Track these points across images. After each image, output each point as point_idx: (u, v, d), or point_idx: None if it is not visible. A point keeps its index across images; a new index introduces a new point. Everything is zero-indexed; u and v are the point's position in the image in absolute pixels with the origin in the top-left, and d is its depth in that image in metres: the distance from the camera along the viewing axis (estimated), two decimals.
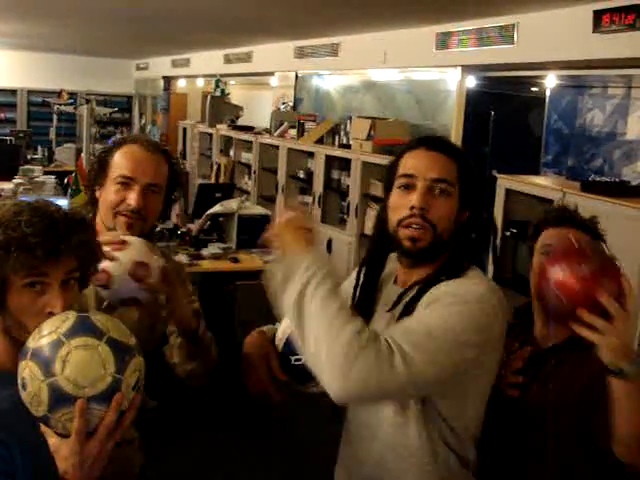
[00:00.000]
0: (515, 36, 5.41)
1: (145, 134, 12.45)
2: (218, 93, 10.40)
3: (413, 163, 1.74)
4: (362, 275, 1.89)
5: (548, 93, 6.88)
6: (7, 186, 7.85)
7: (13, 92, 14.26)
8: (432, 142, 1.78)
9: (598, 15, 4.66)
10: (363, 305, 1.83)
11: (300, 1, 5.87)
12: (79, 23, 8.66)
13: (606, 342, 1.55)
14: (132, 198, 2.06)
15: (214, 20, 7.39)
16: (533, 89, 7.07)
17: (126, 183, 2.08)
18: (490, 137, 6.99)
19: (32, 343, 1.39)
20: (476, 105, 6.70)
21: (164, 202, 2.19)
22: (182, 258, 5.24)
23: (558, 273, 1.65)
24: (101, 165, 2.15)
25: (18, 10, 7.69)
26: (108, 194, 2.11)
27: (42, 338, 1.39)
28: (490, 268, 3.99)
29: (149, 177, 2.09)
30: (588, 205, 3.57)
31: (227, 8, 6.49)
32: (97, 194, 2.16)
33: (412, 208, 1.68)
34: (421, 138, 1.83)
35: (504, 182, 4.88)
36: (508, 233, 4.79)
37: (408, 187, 1.72)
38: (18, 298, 1.48)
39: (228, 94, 10.56)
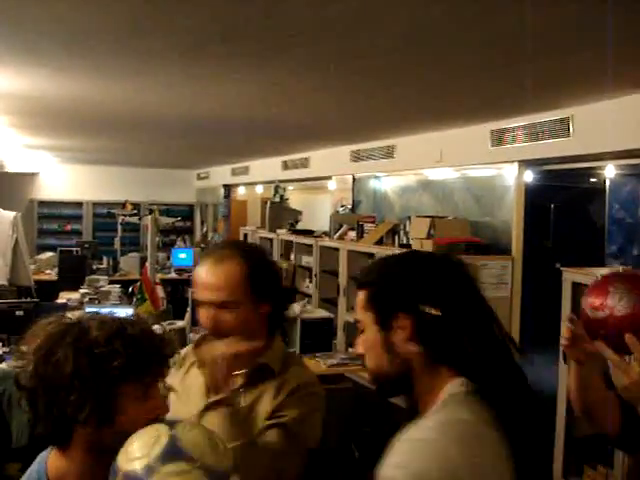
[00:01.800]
0: (571, 128, 5.38)
1: (216, 241, 12.52)
2: (277, 199, 10.55)
3: None
4: None
5: (608, 183, 6.82)
6: (74, 296, 8.03)
7: (79, 204, 14.72)
8: None
9: None
10: None
11: (356, 107, 5.99)
12: (142, 138, 8.98)
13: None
14: (201, 321, 2.07)
15: (272, 129, 7.58)
16: (592, 179, 7.02)
17: (199, 305, 2.08)
18: (551, 230, 6.92)
19: (123, 464, 1.37)
20: (535, 198, 6.66)
21: (262, 310, 2.07)
22: None
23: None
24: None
25: (84, 127, 8.02)
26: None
27: (134, 461, 1.36)
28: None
29: (214, 296, 2.01)
30: None
31: (285, 117, 6.65)
32: None
33: None
34: None
35: (569, 275, 4.79)
36: None
37: None
38: (130, 409, 1.51)
39: (287, 199, 10.71)
